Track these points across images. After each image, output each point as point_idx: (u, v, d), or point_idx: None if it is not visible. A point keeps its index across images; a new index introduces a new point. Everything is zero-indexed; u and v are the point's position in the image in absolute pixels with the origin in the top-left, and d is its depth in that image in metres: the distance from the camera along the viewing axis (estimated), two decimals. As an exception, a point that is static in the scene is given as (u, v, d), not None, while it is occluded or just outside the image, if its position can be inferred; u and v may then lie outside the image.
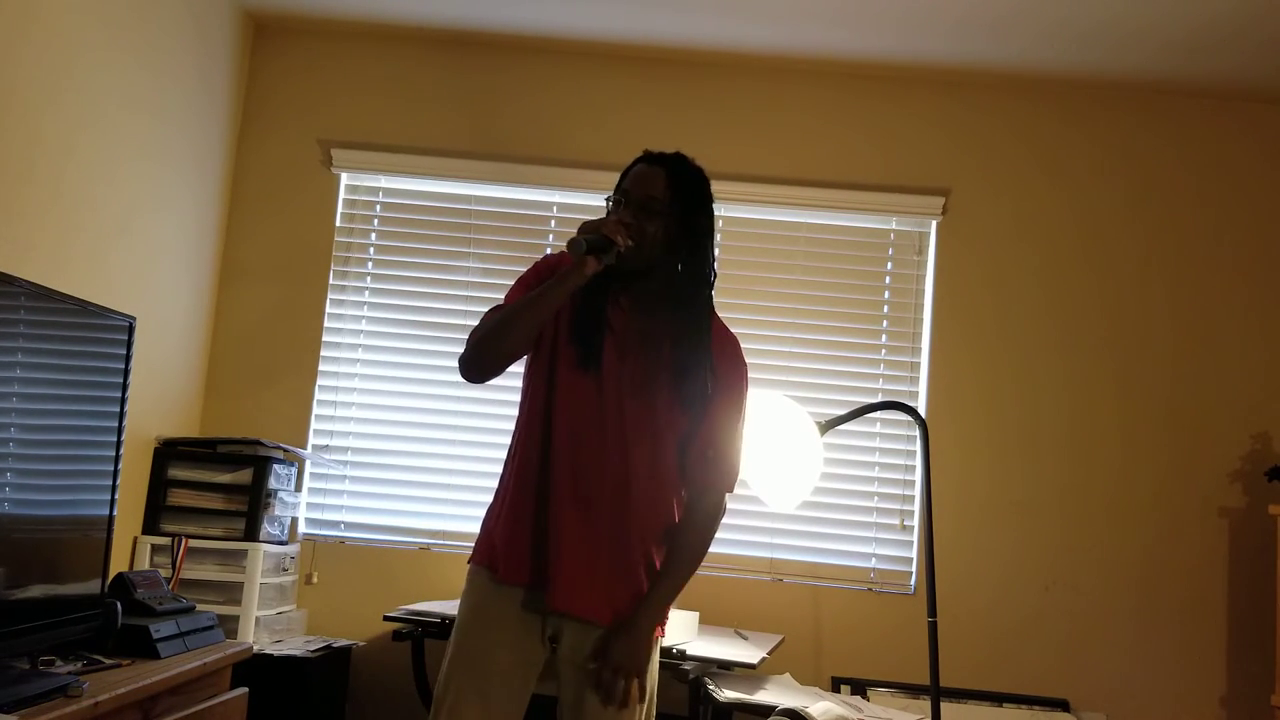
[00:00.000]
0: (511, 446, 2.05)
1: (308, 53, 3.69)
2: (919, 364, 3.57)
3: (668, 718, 3.13)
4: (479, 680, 1.92)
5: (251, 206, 3.65)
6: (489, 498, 3.71)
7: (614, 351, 1.97)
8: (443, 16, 3.51)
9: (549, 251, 3.63)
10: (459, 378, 1.93)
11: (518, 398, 3.82)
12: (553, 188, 3.62)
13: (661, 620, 1.99)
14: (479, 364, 1.94)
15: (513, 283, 2.06)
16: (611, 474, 1.94)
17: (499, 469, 3.75)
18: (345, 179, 3.67)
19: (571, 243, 1.86)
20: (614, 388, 1.95)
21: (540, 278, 1.99)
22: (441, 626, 2.86)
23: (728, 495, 2.04)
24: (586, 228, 1.90)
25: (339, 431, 3.58)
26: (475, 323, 1.99)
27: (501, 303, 2.01)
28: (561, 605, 1.92)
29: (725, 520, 3.53)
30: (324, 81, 3.68)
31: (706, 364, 1.98)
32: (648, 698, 1.99)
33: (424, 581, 3.44)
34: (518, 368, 2.03)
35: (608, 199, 2.05)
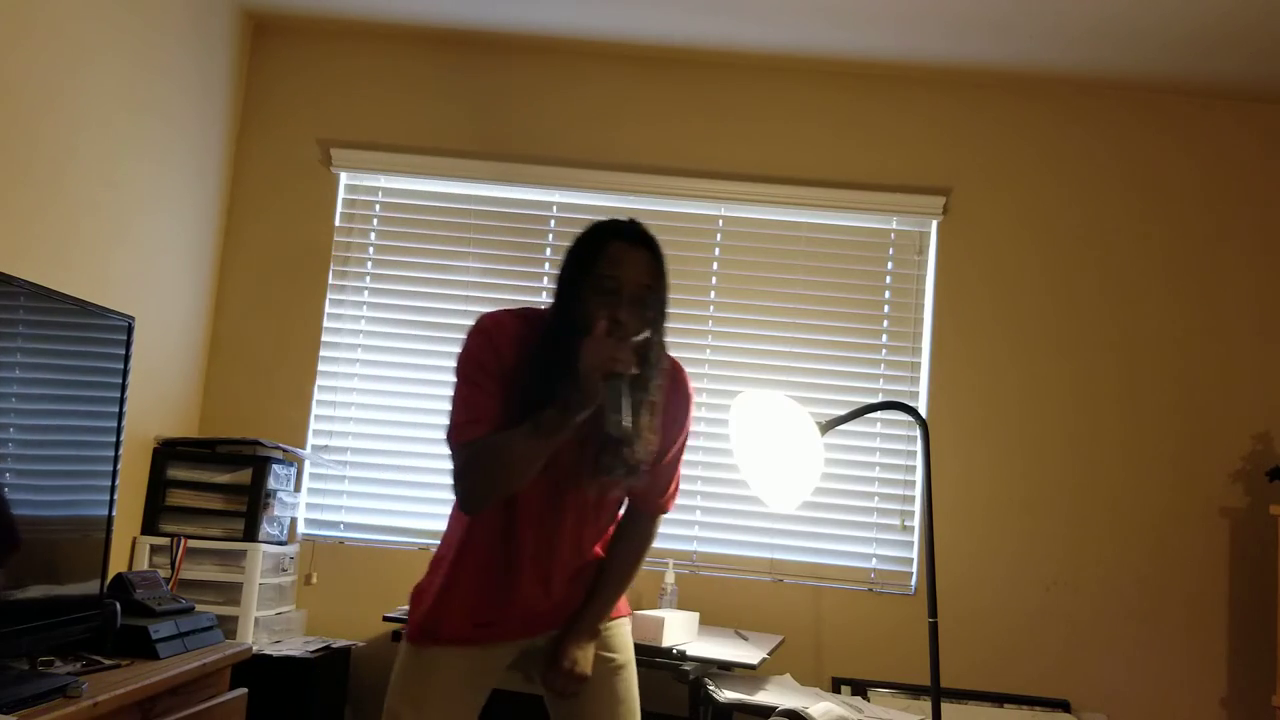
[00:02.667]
0: (456, 523, 1.97)
1: (307, 52, 3.69)
2: (919, 364, 3.56)
3: (668, 718, 3.13)
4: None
5: (251, 206, 3.65)
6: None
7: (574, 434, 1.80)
8: (443, 16, 3.50)
9: (548, 251, 3.62)
10: (447, 432, 1.86)
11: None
12: (553, 188, 3.62)
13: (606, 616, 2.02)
14: (479, 505, 1.80)
15: (462, 376, 1.82)
16: (570, 542, 1.94)
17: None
18: (345, 179, 3.66)
19: (612, 390, 1.67)
20: (573, 468, 1.86)
21: (496, 354, 1.79)
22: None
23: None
24: (609, 361, 1.66)
25: (338, 432, 3.58)
26: (473, 323, 1.88)
27: (463, 421, 1.78)
28: (518, 635, 1.96)
29: (725, 520, 3.55)
30: (324, 81, 3.68)
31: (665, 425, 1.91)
32: (629, 677, 2.04)
33: (424, 582, 3.43)
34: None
35: (587, 277, 1.79)
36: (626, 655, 2.04)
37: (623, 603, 2.07)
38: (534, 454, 1.72)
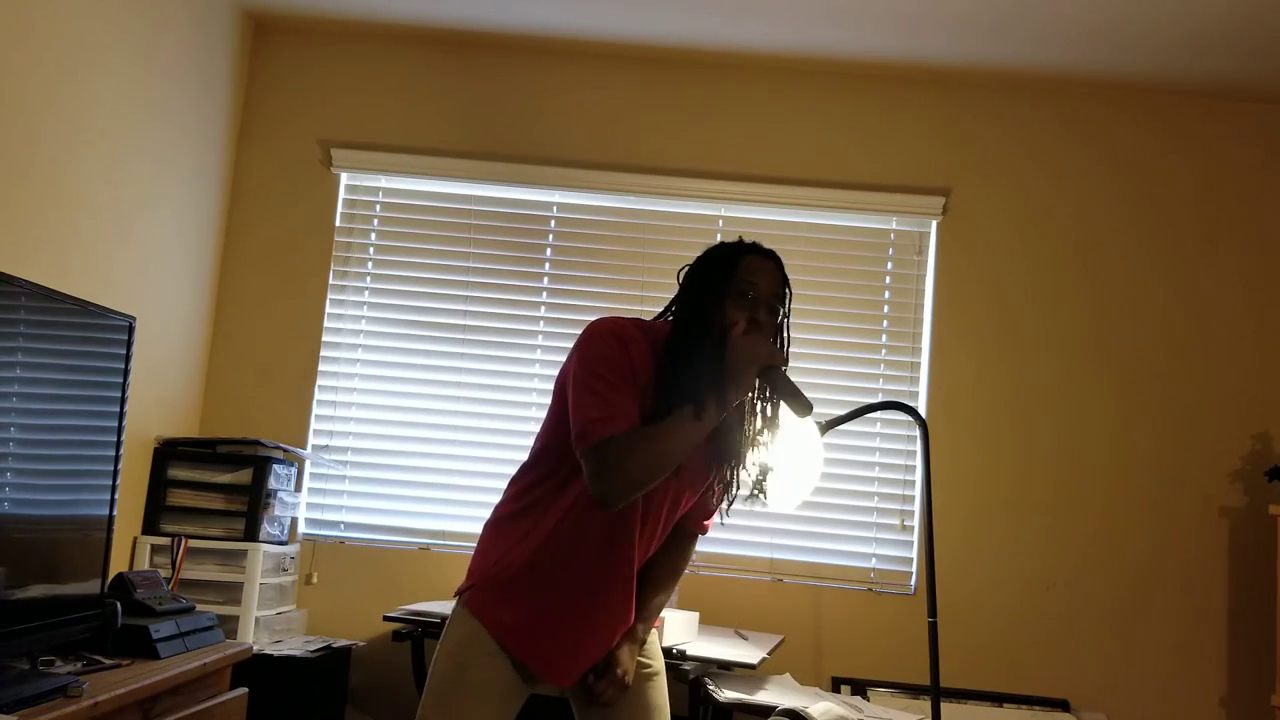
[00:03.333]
0: (537, 516, 1.92)
1: (308, 53, 3.69)
2: (919, 364, 3.56)
3: (668, 718, 3.13)
4: None
5: (251, 206, 3.65)
6: (489, 497, 3.70)
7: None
8: (443, 16, 3.51)
9: (548, 251, 3.62)
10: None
11: (514, 397, 3.79)
12: (553, 188, 3.62)
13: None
14: (624, 498, 1.78)
15: (595, 376, 1.83)
16: (642, 559, 1.97)
17: (499, 469, 3.73)
18: (345, 179, 3.67)
19: (800, 399, 1.80)
20: (692, 473, 1.94)
21: (629, 360, 1.83)
22: (441, 627, 2.86)
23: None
24: (765, 355, 1.80)
25: (339, 431, 3.58)
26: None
27: (602, 417, 1.78)
28: (571, 681, 1.95)
29: (725, 521, 3.55)
30: (324, 81, 3.68)
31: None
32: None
33: (424, 582, 3.44)
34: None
35: (727, 284, 1.89)
36: (660, 663, 2.06)
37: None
38: (689, 441, 1.78)
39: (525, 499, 1.93)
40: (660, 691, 2.04)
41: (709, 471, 1.98)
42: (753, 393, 1.89)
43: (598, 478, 1.75)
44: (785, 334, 1.94)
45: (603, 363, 1.81)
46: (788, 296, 1.94)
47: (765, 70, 3.65)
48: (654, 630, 2.09)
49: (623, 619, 1.94)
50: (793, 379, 1.84)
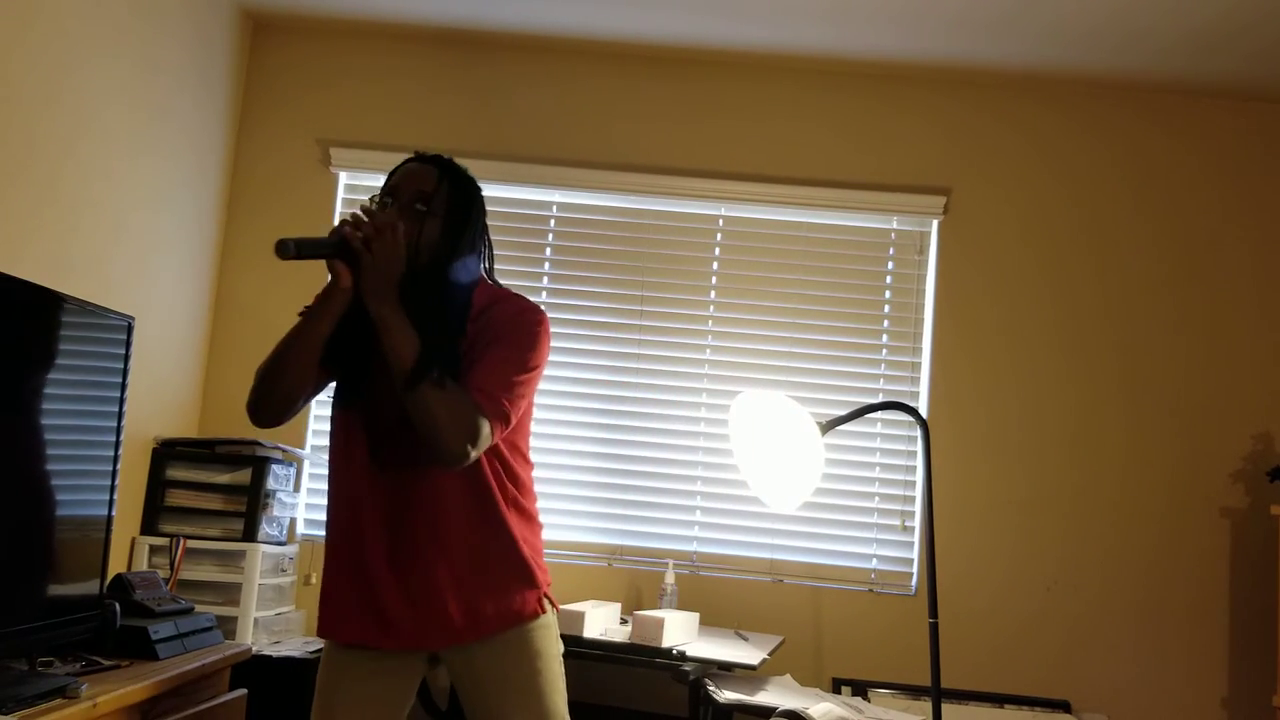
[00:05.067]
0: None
1: (306, 51, 3.69)
2: (920, 364, 3.56)
3: (668, 718, 3.13)
4: None
5: (251, 206, 3.64)
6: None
7: (384, 377, 1.84)
8: (442, 15, 3.50)
9: (548, 251, 3.62)
10: None
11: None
12: (553, 187, 3.62)
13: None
14: (259, 411, 1.82)
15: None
16: (419, 507, 1.85)
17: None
18: (344, 178, 3.66)
19: (280, 244, 1.64)
20: (388, 418, 1.85)
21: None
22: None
23: (489, 431, 1.78)
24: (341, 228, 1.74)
25: (338, 432, 3.57)
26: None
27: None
28: (404, 645, 1.88)
29: (725, 521, 3.54)
30: (323, 80, 3.68)
31: (459, 339, 1.84)
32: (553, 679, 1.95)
33: (423, 582, 3.43)
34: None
35: (371, 199, 1.91)
36: (526, 662, 1.91)
37: (521, 602, 1.91)
38: (295, 340, 1.84)
39: None
40: (522, 694, 1.89)
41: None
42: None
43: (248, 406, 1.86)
44: (433, 226, 1.84)
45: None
46: (445, 195, 1.86)
47: (765, 70, 3.65)
48: (527, 631, 1.91)
49: (394, 570, 1.85)
50: (314, 239, 1.71)
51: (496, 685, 1.88)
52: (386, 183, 1.91)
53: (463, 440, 1.74)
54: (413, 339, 1.75)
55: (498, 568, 1.90)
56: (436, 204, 1.86)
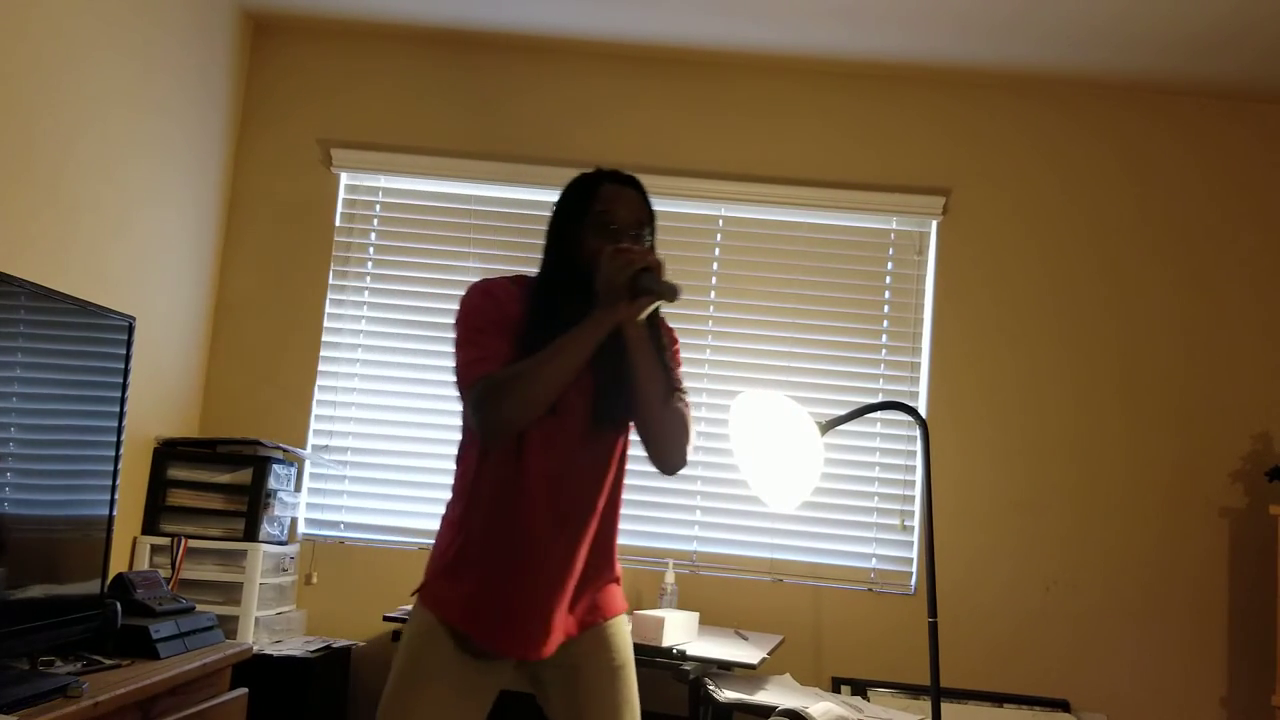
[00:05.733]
0: (466, 492, 1.92)
1: (307, 52, 3.69)
2: (919, 364, 3.56)
3: (668, 718, 3.13)
4: None
5: (251, 206, 3.65)
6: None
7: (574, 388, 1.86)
8: (442, 16, 3.51)
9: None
10: (459, 377, 1.85)
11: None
12: (553, 188, 3.59)
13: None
14: (519, 420, 1.77)
15: (467, 328, 1.85)
16: (584, 510, 1.90)
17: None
18: (345, 179, 3.66)
19: (667, 287, 1.72)
20: (579, 423, 1.88)
21: (500, 309, 1.85)
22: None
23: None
24: (644, 266, 1.74)
25: (339, 431, 3.58)
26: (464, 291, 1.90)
27: (473, 358, 1.81)
28: (545, 655, 1.90)
29: (725, 520, 3.55)
30: (324, 81, 3.68)
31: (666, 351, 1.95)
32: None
33: (424, 582, 3.44)
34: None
35: (585, 218, 1.89)
36: (626, 655, 2.01)
37: (619, 598, 2.02)
38: (565, 364, 1.74)
39: (456, 486, 1.96)
40: (629, 686, 1.97)
41: (594, 404, 1.89)
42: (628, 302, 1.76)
43: (478, 413, 1.75)
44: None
45: (471, 315, 1.85)
46: (652, 225, 1.91)
47: (765, 70, 3.65)
48: (622, 620, 2.02)
49: (568, 576, 1.89)
50: (664, 279, 1.74)
51: (597, 674, 1.95)
52: (592, 203, 1.88)
53: (690, 447, 1.91)
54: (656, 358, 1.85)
55: (610, 571, 2.00)
56: (650, 231, 1.93)
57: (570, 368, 1.75)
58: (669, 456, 1.89)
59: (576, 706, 1.94)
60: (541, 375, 1.74)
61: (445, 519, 1.97)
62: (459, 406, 1.89)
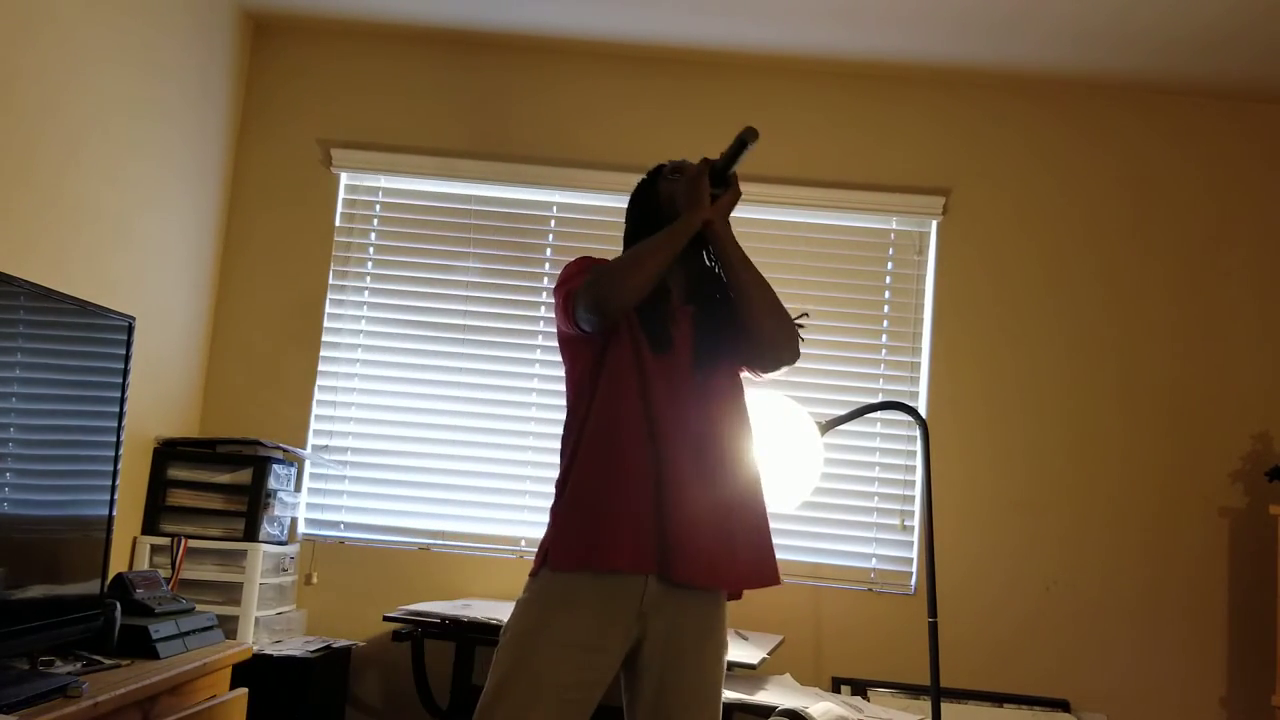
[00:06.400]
0: (580, 438, 1.99)
1: (308, 53, 3.69)
2: (919, 364, 3.56)
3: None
4: (547, 701, 1.88)
5: (251, 206, 3.65)
6: (489, 497, 3.70)
7: (678, 327, 2.04)
8: (443, 16, 3.51)
9: (548, 252, 3.62)
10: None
11: (514, 397, 3.81)
12: (553, 188, 3.62)
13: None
14: (626, 299, 1.91)
15: (568, 276, 2.05)
16: (714, 448, 1.98)
17: (499, 468, 3.74)
18: (345, 179, 3.67)
19: (739, 140, 1.98)
20: (686, 360, 2.02)
21: (598, 264, 2.04)
22: (441, 627, 2.86)
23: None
24: (709, 164, 2.07)
25: (339, 431, 3.58)
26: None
27: (581, 269, 2.04)
28: (684, 577, 1.90)
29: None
30: (324, 81, 3.68)
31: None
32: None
33: (424, 582, 3.44)
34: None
35: (656, 183, 2.17)
36: (723, 635, 2.01)
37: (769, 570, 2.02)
38: (666, 248, 1.96)
39: (562, 452, 2.03)
40: (720, 667, 1.98)
41: (695, 344, 2.05)
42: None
43: (591, 295, 1.90)
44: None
45: (571, 267, 2.06)
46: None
47: (765, 70, 3.65)
48: (724, 605, 2.02)
49: (699, 486, 1.93)
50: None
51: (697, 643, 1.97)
52: (658, 176, 2.19)
53: (797, 340, 2.15)
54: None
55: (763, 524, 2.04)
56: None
57: (667, 255, 1.95)
58: (776, 341, 2.10)
59: (661, 684, 1.94)
60: (641, 259, 1.93)
61: (558, 482, 2.01)
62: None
